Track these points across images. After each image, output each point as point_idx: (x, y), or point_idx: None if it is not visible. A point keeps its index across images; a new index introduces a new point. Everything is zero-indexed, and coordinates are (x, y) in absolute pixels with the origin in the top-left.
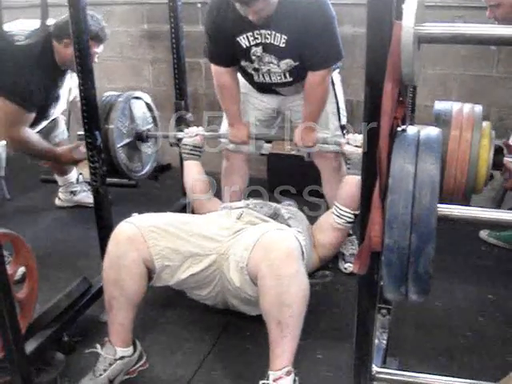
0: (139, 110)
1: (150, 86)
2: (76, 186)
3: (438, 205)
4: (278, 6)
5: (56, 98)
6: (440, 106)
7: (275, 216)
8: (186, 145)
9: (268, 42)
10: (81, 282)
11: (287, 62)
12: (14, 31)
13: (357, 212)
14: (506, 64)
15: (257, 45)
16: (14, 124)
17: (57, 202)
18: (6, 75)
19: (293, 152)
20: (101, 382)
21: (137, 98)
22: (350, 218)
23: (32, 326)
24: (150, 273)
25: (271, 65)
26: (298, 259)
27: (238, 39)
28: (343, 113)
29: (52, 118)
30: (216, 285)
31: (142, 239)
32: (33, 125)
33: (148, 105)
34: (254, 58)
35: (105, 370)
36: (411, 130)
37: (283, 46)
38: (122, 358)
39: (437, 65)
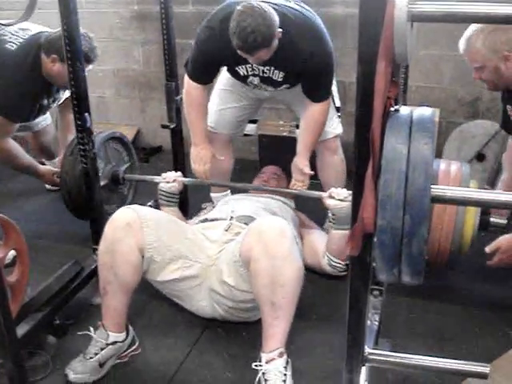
0: (115, 149)
1: (140, 68)
2: None
3: (431, 185)
4: (278, 45)
5: (43, 108)
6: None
7: None
8: (162, 191)
9: (266, 75)
10: (72, 265)
11: (283, 88)
12: (8, 34)
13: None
14: None
15: (254, 75)
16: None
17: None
18: None
19: (284, 133)
20: (91, 365)
21: (112, 138)
22: (341, 268)
23: (23, 309)
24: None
25: (268, 89)
26: (290, 239)
27: (236, 68)
28: (336, 95)
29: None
30: (202, 300)
31: (139, 226)
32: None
33: (125, 144)
34: (250, 84)
35: (96, 354)
36: (404, 110)
37: (281, 79)
38: (114, 343)
39: (429, 45)
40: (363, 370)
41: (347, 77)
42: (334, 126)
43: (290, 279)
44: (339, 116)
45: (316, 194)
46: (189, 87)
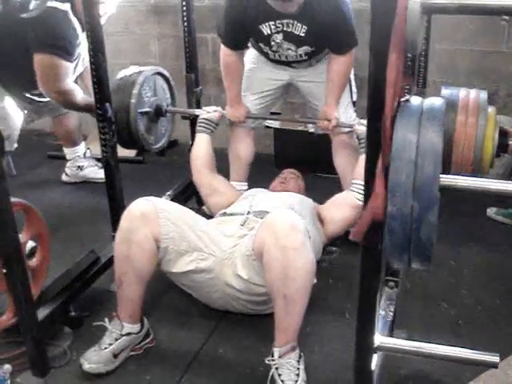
0: (161, 85)
1: (156, 62)
2: (83, 160)
3: (442, 175)
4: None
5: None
6: (447, 91)
7: None
8: (202, 119)
9: (289, 30)
10: (89, 255)
11: (304, 49)
12: None
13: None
14: None
15: (278, 32)
16: (62, 77)
17: (64, 177)
18: (46, 33)
19: (299, 127)
20: (105, 355)
21: (160, 74)
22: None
23: (42, 294)
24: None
25: (289, 51)
26: (303, 232)
27: (260, 27)
28: (354, 89)
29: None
30: (215, 292)
31: (156, 216)
32: None
33: (169, 83)
34: (273, 43)
35: (110, 344)
36: (415, 100)
37: (303, 35)
38: (128, 334)
39: (445, 40)
40: (375, 359)
41: (360, 71)
42: (350, 117)
43: (302, 272)
44: (355, 111)
45: (347, 124)
46: (224, 54)
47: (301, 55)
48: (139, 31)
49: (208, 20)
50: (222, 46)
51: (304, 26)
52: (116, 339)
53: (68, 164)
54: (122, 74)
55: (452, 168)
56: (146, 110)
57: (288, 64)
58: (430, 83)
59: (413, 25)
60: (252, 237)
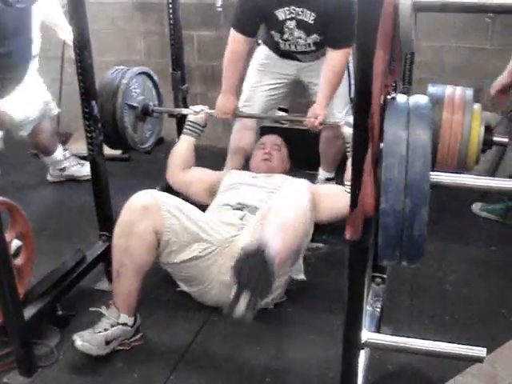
0: (147, 85)
1: (141, 59)
2: (64, 162)
3: (431, 172)
4: None
5: None
6: (433, 89)
7: None
8: (189, 121)
9: (300, 18)
10: (75, 253)
11: (314, 38)
12: None
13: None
14: (501, 36)
15: (291, 19)
16: None
17: (48, 177)
18: None
19: (285, 125)
20: (98, 338)
21: (146, 73)
22: None
23: (29, 294)
24: (159, 245)
25: (299, 39)
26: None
27: (275, 12)
28: (353, 88)
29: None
30: (211, 281)
31: (158, 209)
32: None
33: (155, 83)
34: (286, 29)
35: (105, 330)
36: (401, 98)
37: (312, 22)
38: (124, 324)
39: (431, 37)
40: (362, 355)
41: None
42: (345, 114)
43: (296, 222)
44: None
45: (332, 122)
46: (232, 39)
47: (309, 44)
48: (125, 28)
49: (194, 17)
50: (232, 33)
51: (313, 13)
52: (112, 326)
53: (50, 168)
54: (108, 73)
55: (437, 164)
56: (134, 106)
57: (296, 58)
58: (415, 80)
59: (406, 23)
60: (250, 231)
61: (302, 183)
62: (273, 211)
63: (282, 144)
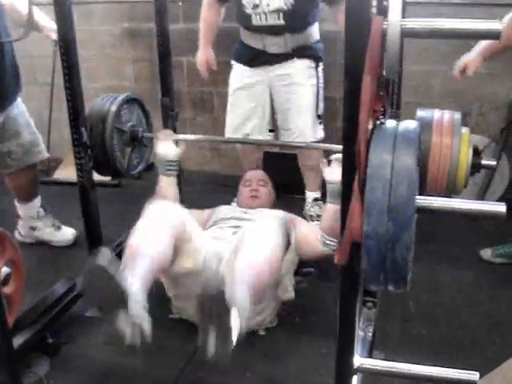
0: (137, 112)
1: (131, 85)
2: (36, 221)
3: (419, 196)
4: None
5: None
6: (422, 113)
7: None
8: (164, 161)
9: None
10: (65, 281)
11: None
12: None
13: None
14: (488, 60)
15: None
16: None
17: (17, 235)
18: None
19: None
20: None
21: (136, 100)
22: (334, 245)
23: (18, 322)
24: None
25: (269, 6)
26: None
27: None
28: (321, 104)
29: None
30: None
31: (175, 215)
32: None
33: (144, 109)
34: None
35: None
36: (390, 123)
37: None
38: None
39: (419, 61)
40: (354, 381)
41: (337, 93)
42: (316, 132)
43: (265, 259)
44: (320, 122)
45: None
46: (206, 6)
47: (279, 16)
48: (114, 55)
49: (183, 43)
50: (204, 3)
51: None
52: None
53: (20, 222)
54: (98, 99)
55: (427, 188)
56: (123, 131)
57: (266, 59)
58: (402, 104)
59: (393, 49)
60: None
61: (275, 217)
62: (241, 252)
63: (267, 178)
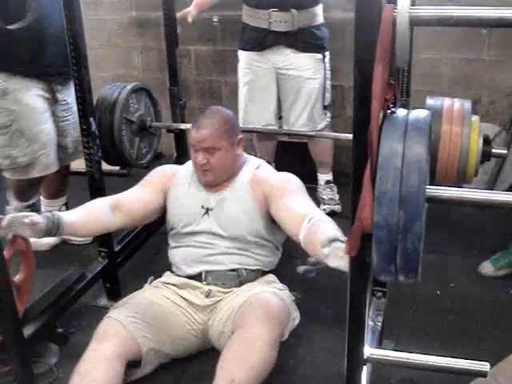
0: (145, 101)
1: (139, 74)
2: None
3: (429, 186)
4: None
5: None
6: (431, 101)
7: (241, 283)
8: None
9: None
10: (74, 270)
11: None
12: None
13: None
14: (497, 47)
15: None
16: None
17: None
18: None
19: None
20: None
21: (144, 89)
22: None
23: (28, 311)
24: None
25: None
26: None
27: None
28: (328, 94)
29: None
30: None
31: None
32: None
33: (152, 98)
34: None
35: None
36: (401, 112)
37: None
38: None
39: (428, 49)
40: (365, 370)
41: (346, 81)
42: (322, 122)
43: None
44: (326, 113)
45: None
46: None
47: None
48: (122, 44)
49: (191, 32)
50: None
51: None
52: None
53: None
54: (106, 88)
55: (436, 177)
56: (131, 121)
57: (276, 40)
58: (412, 92)
59: (403, 38)
60: (229, 317)
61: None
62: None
63: (218, 134)
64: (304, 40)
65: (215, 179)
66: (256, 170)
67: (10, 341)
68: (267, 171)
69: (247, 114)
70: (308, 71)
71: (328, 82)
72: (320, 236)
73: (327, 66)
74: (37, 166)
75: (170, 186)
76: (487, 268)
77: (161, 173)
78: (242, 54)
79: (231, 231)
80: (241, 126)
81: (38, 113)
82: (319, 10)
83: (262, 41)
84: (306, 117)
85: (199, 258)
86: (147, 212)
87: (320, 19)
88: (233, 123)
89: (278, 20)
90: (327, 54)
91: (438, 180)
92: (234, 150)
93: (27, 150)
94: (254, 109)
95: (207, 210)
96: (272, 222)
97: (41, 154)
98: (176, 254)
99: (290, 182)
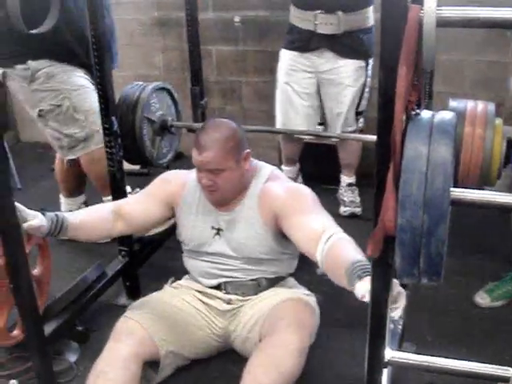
0: (167, 101)
1: (160, 74)
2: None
3: (452, 188)
4: None
5: None
6: (454, 103)
7: (260, 289)
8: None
9: None
10: (95, 268)
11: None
12: None
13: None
14: None
15: None
16: None
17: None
18: None
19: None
20: None
21: (165, 89)
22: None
23: (49, 309)
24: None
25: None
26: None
27: None
28: (364, 101)
29: None
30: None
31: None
32: None
33: (173, 98)
34: None
35: None
36: (425, 113)
37: None
38: None
39: (451, 51)
40: (385, 373)
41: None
42: (352, 126)
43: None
44: (358, 119)
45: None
46: None
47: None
48: (144, 44)
49: (212, 32)
50: None
51: None
52: None
53: None
54: (127, 87)
55: (459, 179)
56: (152, 120)
57: (322, 42)
58: (435, 94)
59: (430, 39)
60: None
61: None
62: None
63: (222, 154)
64: (349, 45)
65: (222, 198)
66: (265, 183)
67: (31, 338)
68: (277, 185)
69: (286, 117)
70: (349, 78)
71: (367, 90)
72: (343, 264)
73: (369, 73)
74: (96, 137)
75: (179, 200)
76: (483, 299)
77: (166, 184)
78: (285, 54)
79: (244, 253)
80: (277, 127)
81: (85, 88)
82: (369, 12)
83: (307, 43)
84: (340, 124)
85: (216, 272)
86: (148, 223)
87: (370, 22)
88: (238, 138)
89: (323, 22)
90: (371, 61)
91: (460, 182)
92: (240, 167)
93: (84, 123)
94: (294, 112)
95: (218, 231)
96: (286, 237)
97: (97, 125)
98: (191, 265)
99: (301, 197)
